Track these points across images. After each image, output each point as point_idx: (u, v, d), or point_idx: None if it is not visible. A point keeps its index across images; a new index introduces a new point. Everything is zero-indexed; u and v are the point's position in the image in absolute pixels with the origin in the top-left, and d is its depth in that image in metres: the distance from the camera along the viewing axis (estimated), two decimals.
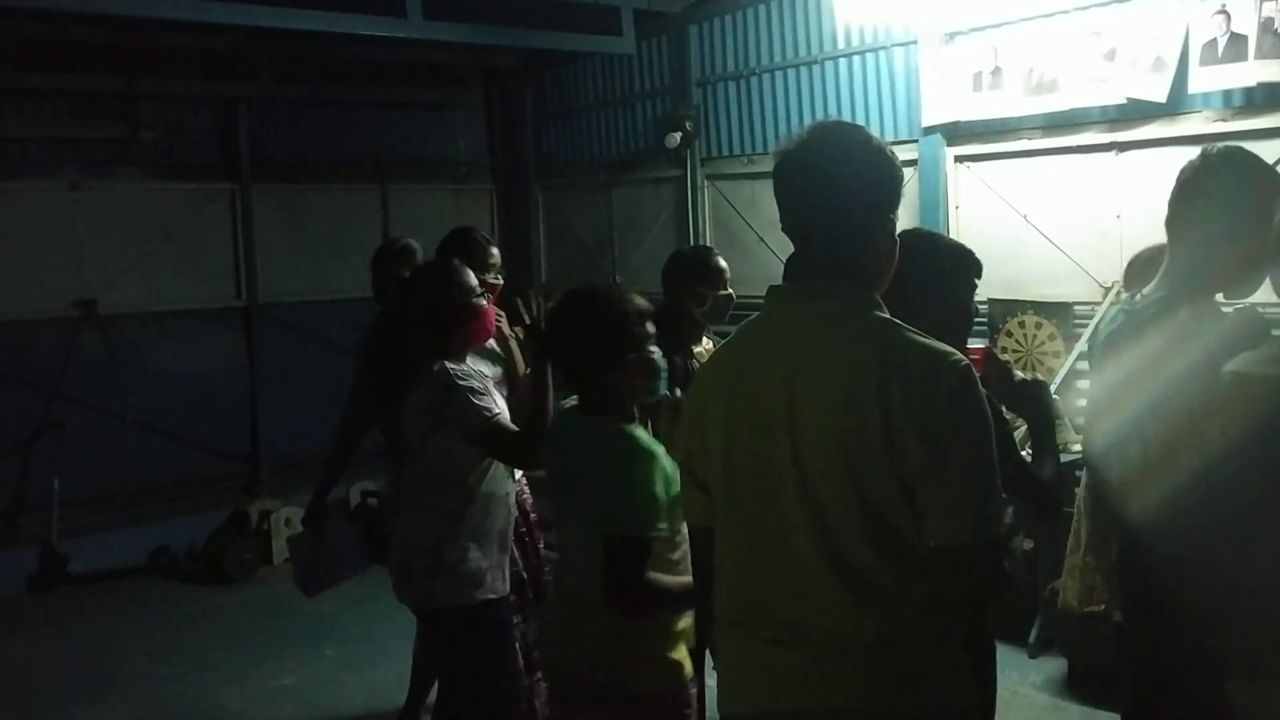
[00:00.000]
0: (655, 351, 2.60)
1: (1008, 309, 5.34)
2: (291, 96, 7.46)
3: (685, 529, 2.30)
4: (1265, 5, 4.35)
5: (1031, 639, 4.75)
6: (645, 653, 2.51)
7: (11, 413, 6.45)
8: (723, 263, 3.86)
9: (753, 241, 6.48)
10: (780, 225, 1.97)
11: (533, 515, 3.85)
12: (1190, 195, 2.48)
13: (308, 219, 7.54)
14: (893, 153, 1.94)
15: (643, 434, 2.52)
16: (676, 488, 2.31)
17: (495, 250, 3.87)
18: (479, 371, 3.23)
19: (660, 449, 2.46)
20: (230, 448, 7.31)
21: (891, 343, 1.80)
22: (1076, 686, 4.46)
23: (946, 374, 1.76)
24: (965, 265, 2.57)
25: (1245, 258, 2.45)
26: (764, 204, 6.56)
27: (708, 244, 6.81)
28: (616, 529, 2.39)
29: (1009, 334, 5.34)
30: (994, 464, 1.79)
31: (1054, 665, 4.62)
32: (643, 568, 2.39)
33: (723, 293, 3.80)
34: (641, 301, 2.61)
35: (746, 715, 1.93)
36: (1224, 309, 2.52)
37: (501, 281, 3.84)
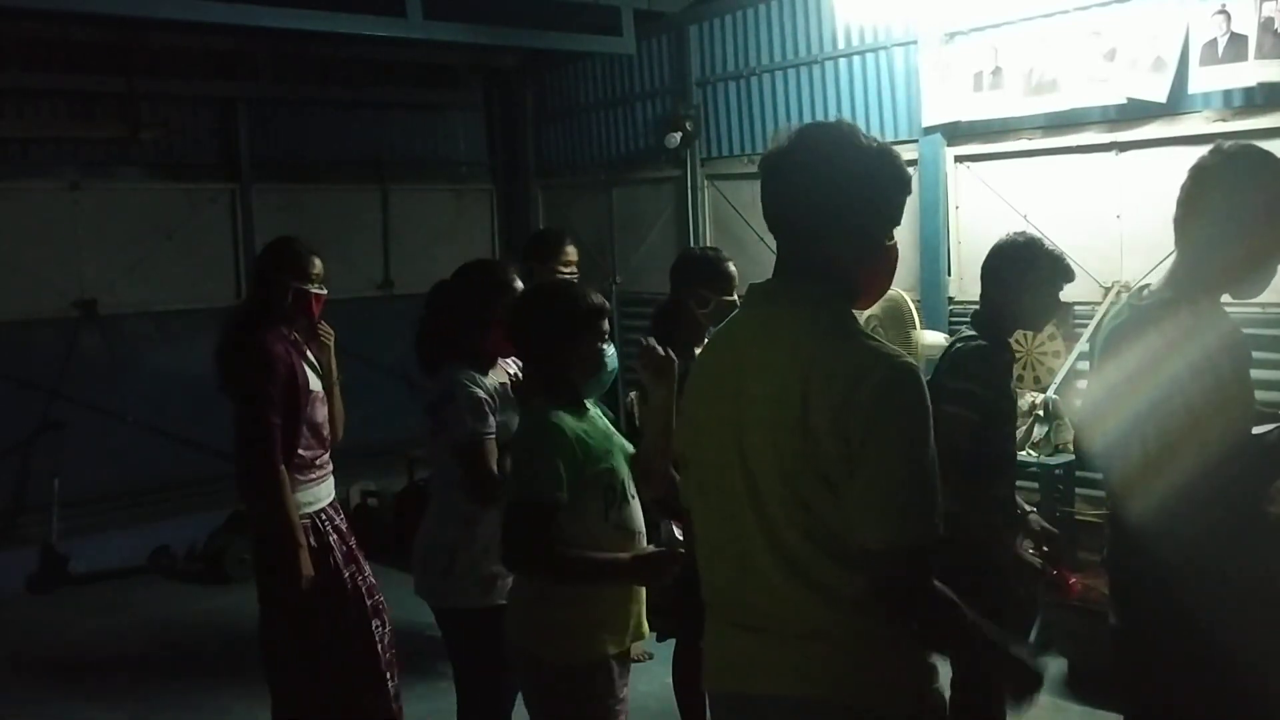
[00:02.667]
0: (607, 350, 2.72)
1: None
2: (291, 96, 7.46)
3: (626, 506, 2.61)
4: (1265, 5, 4.35)
5: (1031, 639, 4.74)
6: (556, 620, 2.59)
7: (11, 413, 6.45)
8: (732, 269, 3.79)
9: (753, 241, 6.47)
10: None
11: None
12: (1198, 193, 2.44)
13: (308, 219, 7.52)
14: (892, 160, 1.89)
15: (563, 415, 2.58)
16: (595, 465, 2.54)
17: (318, 260, 3.70)
18: (497, 385, 3.16)
19: (575, 427, 2.56)
20: (230, 448, 7.27)
21: (828, 342, 1.81)
22: (1076, 686, 4.46)
23: (873, 373, 1.75)
24: (1058, 270, 3.17)
25: (1251, 257, 2.42)
26: None
27: (707, 244, 6.82)
28: (513, 495, 2.58)
29: None
30: (923, 467, 1.75)
31: (1054, 665, 4.62)
32: (539, 532, 2.48)
33: (727, 298, 3.74)
34: (596, 299, 2.71)
35: (716, 695, 2.01)
36: (1225, 309, 2.51)
37: (325, 292, 3.68)
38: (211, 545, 6.59)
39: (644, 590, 2.69)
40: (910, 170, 1.97)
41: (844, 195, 1.86)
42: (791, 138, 1.91)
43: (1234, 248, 2.39)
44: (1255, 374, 2.59)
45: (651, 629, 3.79)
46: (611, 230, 7.70)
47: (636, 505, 2.68)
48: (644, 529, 2.69)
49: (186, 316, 7.11)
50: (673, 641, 3.88)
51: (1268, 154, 2.46)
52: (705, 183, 6.97)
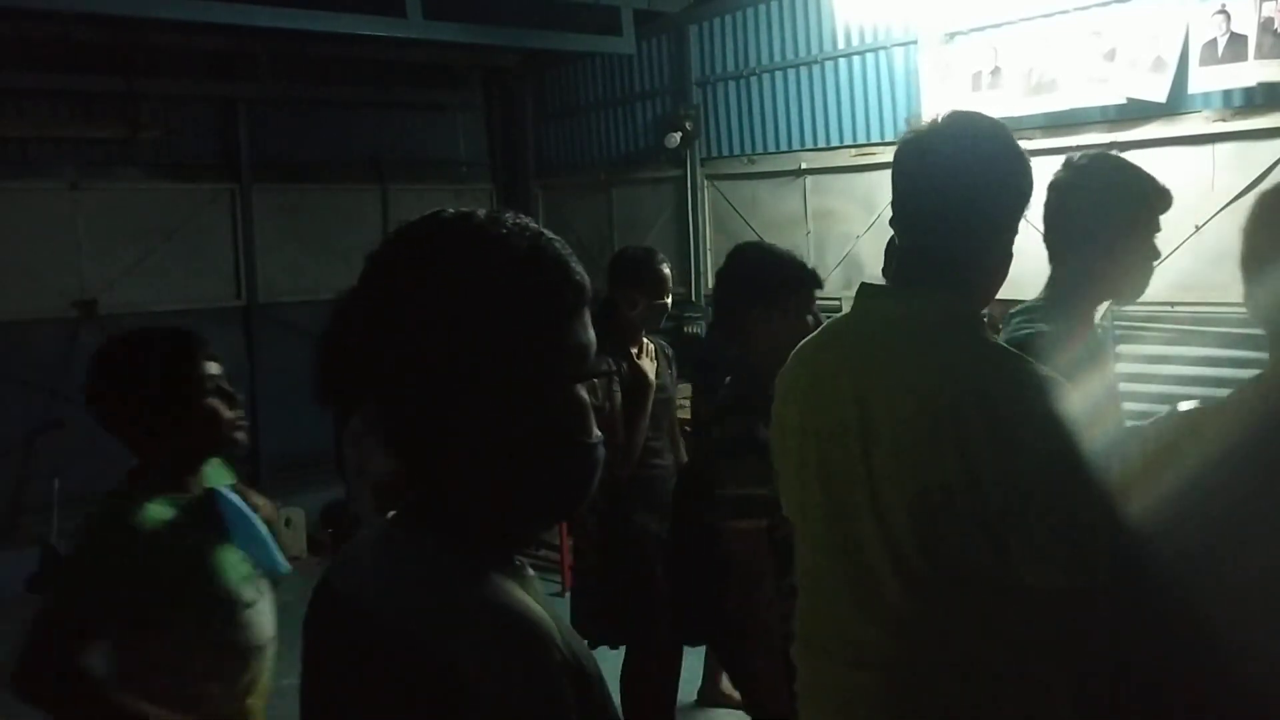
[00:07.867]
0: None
1: (1007, 308, 5.32)
2: (291, 96, 7.46)
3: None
4: (1265, 5, 4.35)
5: None
6: None
7: (11, 413, 6.45)
8: (664, 270, 3.73)
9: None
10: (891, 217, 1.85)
11: None
12: (1061, 209, 2.44)
13: (308, 219, 7.54)
14: (1027, 165, 1.78)
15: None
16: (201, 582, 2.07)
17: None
18: None
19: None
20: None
21: (968, 359, 1.67)
22: None
23: (1030, 397, 1.61)
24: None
25: (1122, 262, 2.41)
26: (764, 204, 6.56)
27: (707, 244, 6.85)
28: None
29: None
30: (1092, 493, 1.61)
31: None
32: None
33: (658, 301, 3.69)
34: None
35: None
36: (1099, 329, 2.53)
37: None
38: None
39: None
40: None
41: (987, 184, 1.72)
42: (933, 122, 1.78)
43: (1106, 256, 2.39)
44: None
45: (602, 640, 3.59)
46: (611, 230, 7.69)
47: (261, 609, 2.17)
48: (265, 641, 2.16)
49: (186, 316, 7.08)
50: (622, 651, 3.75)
51: (1122, 160, 2.50)
52: (705, 183, 6.97)
